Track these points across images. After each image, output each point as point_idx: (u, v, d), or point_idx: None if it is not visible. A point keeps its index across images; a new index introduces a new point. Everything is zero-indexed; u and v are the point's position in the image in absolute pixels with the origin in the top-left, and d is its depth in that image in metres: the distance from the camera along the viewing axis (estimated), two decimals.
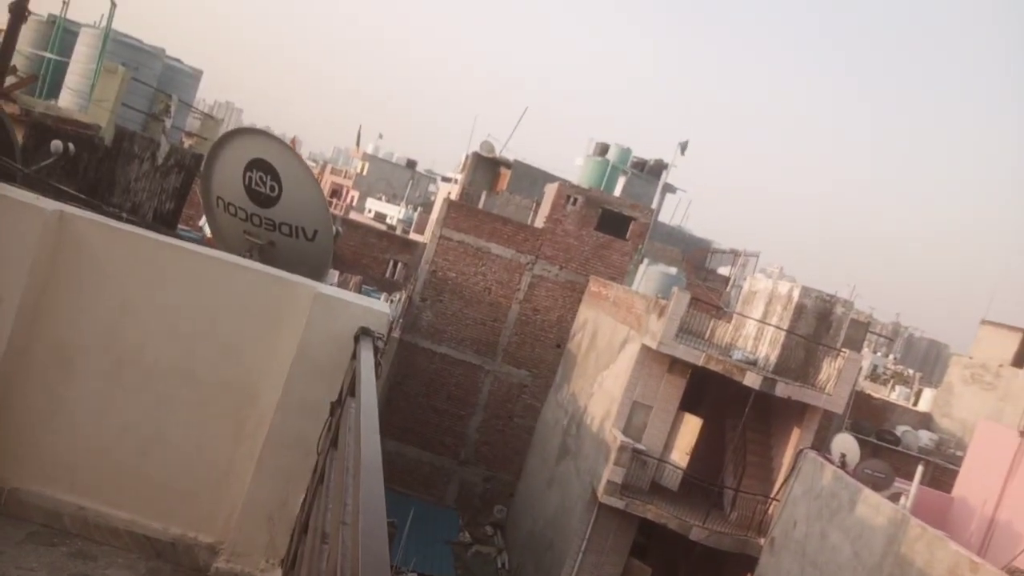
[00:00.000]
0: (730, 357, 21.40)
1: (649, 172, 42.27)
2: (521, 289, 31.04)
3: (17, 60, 18.45)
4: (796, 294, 21.50)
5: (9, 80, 16.13)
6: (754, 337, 22.53)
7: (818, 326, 21.54)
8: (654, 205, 37.23)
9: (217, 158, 7.34)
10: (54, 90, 17.98)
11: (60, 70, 18.20)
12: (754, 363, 21.13)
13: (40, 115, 15.09)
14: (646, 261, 30.28)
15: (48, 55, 18.22)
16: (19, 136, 13.74)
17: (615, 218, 31.30)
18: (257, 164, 7.08)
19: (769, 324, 21.90)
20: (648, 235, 32.09)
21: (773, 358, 21.29)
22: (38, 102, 16.19)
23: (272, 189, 7.10)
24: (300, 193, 7.24)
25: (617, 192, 38.77)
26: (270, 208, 7.13)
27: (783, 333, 21.25)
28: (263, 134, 7.31)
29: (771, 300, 22.41)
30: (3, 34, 11.63)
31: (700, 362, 20.63)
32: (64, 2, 18.72)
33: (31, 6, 18.89)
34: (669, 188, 41.08)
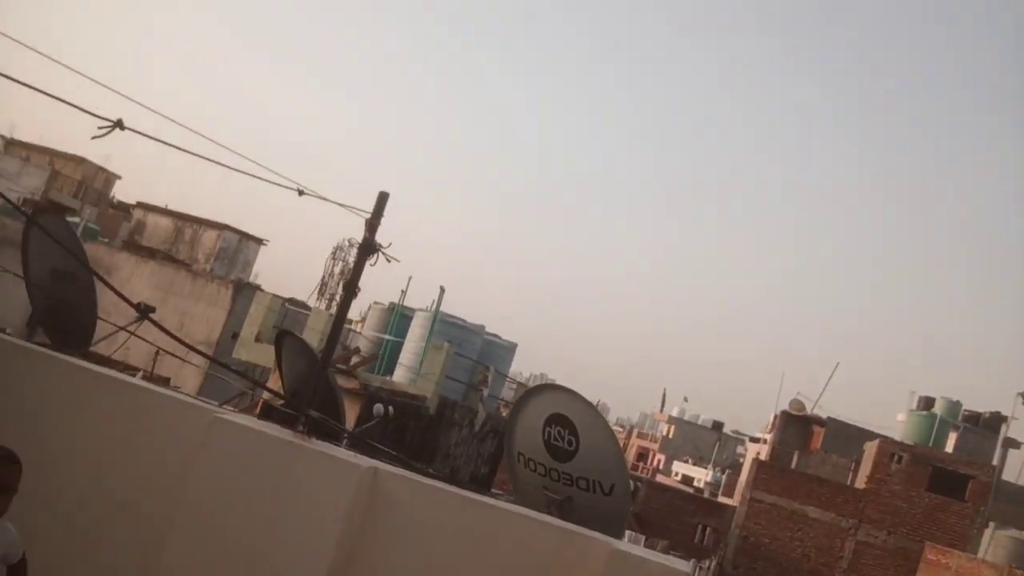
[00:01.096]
0: None
1: (984, 426, 38.08)
2: (845, 557, 28.23)
3: (361, 342, 21.27)
4: None
5: (354, 359, 18.57)
6: None
7: None
8: (995, 462, 33.13)
9: (519, 414, 7.82)
10: (390, 367, 20.26)
11: (396, 349, 20.56)
12: None
13: (376, 389, 17.01)
14: (992, 525, 26.62)
15: (387, 336, 20.76)
16: (357, 407, 15.54)
17: (949, 477, 28.21)
18: (556, 419, 7.43)
19: None
20: (991, 495, 28.38)
21: None
22: (376, 378, 18.29)
23: (570, 443, 7.36)
24: (597, 446, 7.41)
25: (948, 449, 35.13)
26: (567, 463, 7.35)
27: None
28: (560, 388, 7.71)
29: None
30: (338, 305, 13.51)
31: None
32: (402, 291, 21.62)
33: (379, 297, 21.98)
34: (1012, 443, 36.51)
